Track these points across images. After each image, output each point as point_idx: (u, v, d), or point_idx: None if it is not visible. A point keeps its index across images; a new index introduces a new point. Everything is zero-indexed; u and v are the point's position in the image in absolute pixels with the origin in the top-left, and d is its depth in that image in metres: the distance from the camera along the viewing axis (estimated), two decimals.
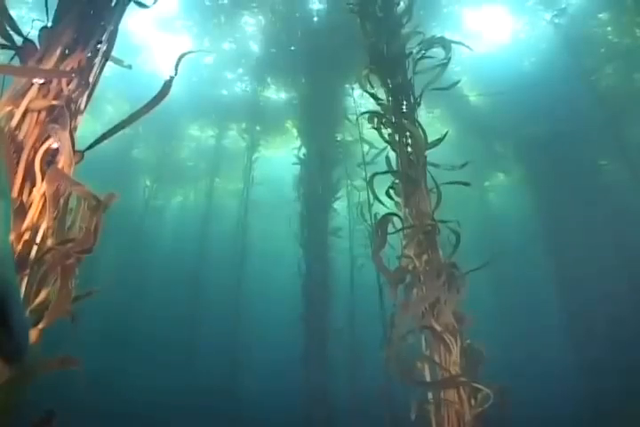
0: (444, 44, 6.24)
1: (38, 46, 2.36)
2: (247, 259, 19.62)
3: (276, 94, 22.97)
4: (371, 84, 5.98)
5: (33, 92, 2.15)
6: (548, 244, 19.03)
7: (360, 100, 18.80)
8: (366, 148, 13.39)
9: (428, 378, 4.17)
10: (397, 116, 5.27)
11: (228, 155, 24.88)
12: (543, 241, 19.45)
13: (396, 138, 5.16)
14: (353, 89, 18.20)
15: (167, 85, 2.89)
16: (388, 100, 5.57)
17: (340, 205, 16.25)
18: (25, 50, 2.34)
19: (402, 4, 6.85)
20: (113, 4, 3.03)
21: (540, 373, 16.93)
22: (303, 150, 16.83)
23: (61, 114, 2.16)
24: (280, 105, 22.49)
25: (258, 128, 23.29)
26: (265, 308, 24.87)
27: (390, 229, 4.73)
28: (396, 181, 4.88)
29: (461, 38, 8.35)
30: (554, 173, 17.94)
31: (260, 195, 21.72)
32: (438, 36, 6.38)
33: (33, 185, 2.05)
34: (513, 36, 19.40)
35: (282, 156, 22.76)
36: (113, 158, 22.55)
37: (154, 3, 4.03)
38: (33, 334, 1.77)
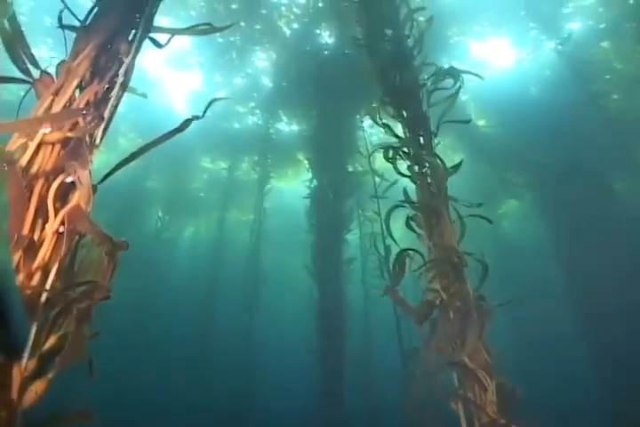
0: (454, 73, 6.22)
1: (55, 79, 2.31)
2: (260, 290, 19.40)
3: (287, 127, 23.21)
4: (384, 116, 5.94)
5: (48, 123, 2.07)
6: (564, 270, 18.66)
7: (371, 130, 19.01)
8: (378, 179, 13.40)
9: (463, 421, 3.92)
10: (415, 148, 5.18)
11: (240, 186, 25.01)
12: (559, 267, 19.07)
13: (415, 169, 5.06)
14: (363, 120, 18.37)
15: (186, 124, 2.82)
16: (404, 132, 5.50)
17: (352, 236, 16.10)
18: (41, 82, 2.28)
19: (411, 36, 6.89)
20: (130, 38, 2.99)
21: (568, 412, 16.26)
22: (314, 182, 16.81)
23: (78, 148, 2.08)
24: (291, 137, 22.71)
25: (269, 160, 23.44)
26: (278, 338, 24.50)
27: (410, 262, 4.59)
28: (417, 212, 4.74)
29: (468, 67, 8.39)
30: (567, 198, 17.73)
31: (272, 226, 21.66)
32: (447, 66, 6.37)
33: (45, 221, 1.95)
34: (518, 65, 19.63)
35: (294, 187, 22.84)
36: (126, 189, 22.71)
37: (166, 43, 4.02)
38: (41, 384, 1.63)
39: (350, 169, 17.64)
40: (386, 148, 5.36)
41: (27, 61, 2.31)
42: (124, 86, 2.73)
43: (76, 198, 2.10)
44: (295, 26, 19.14)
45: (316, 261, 15.07)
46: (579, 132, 17.29)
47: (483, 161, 20.80)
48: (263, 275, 19.99)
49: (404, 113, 5.58)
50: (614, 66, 18.21)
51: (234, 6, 18.98)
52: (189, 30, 3.81)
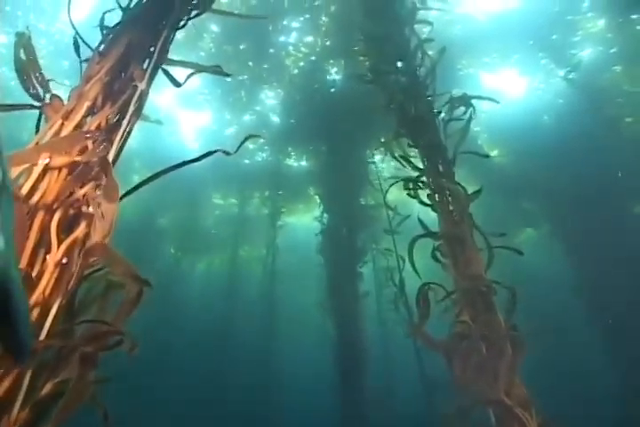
0: (467, 101, 6.15)
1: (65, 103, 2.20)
2: (275, 326, 19.05)
3: (297, 162, 23.31)
4: (398, 149, 5.84)
5: (55, 148, 1.94)
6: (585, 299, 18.17)
7: (381, 164, 19.01)
8: (391, 213, 13.25)
9: None
10: (434, 176, 5.02)
11: (252, 222, 24.94)
12: (579, 296, 18.58)
13: (436, 198, 4.88)
14: (374, 155, 18.40)
15: (205, 156, 2.72)
16: (422, 161, 5.37)
17: (366, 270, 15.83)
18: (51, 106, 2.17)
19: (423, 66, 6.87)
20: (145, 66, 2.91)
21: None
22: (326, 216, 16.68)
23: (87, 174, 1.93)
24: (302, 172, 22.75)
25: (280, 195, 23.45)
26: (295, 375, 23.90)
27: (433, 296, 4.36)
28: (441, 242, 4.54)
29: (477, 100, 8.36)
30: (585, 225, 17.41)
31: (285, 261, 21.46)
32: (461, 94, 6.31)
33: (47, 252, 1.77)
34: (529, 94, 19.73)
35: (305, 222, 22.72)
36: (138, 226, 22.75)
37: (185, 81, 3.97)
38: None
39: (362, 203, 17.53)
40: (405, 179, 5.21)
41: (38, 86, 2.21)
42: (138, 113, 2.61)
43: (97, 232, 1.93)
44: (302, 64, 19.47)
45: (330, 296, 14.78)
46: (594, 158, 17.15)
47: (497, 191, 20.62)
48: (277, 311, 19.69)
49: (421, 143, 5.46)
50: (626, 89, 18.24)
51: (242, 46, 19.40)
52: (201, 66, 3.75)
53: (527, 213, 21.70)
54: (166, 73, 3.55)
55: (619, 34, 16.66)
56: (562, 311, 20.47)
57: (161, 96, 22.78)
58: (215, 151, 2.88)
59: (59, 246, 1.78)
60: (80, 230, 1.89)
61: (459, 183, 4.87)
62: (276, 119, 21.93)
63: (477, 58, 18.70)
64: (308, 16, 17.99)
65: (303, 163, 23.14)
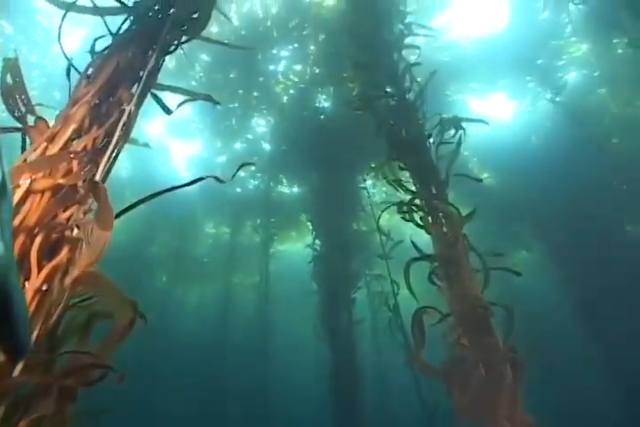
0: (457, 122, 6.19)
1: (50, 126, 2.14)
2: (269, 353, 18.71)
3: (289, 189, 23.33)
4: (390, 173, 5.83)
5: (37, 167, 1.87)
6: (582, 320, 18.04)
7: (372, 189, 19.07)
8: (383, 238, 13.22)
9: None
10: (427, 198, 4.99)
11: (244, 250, 24.75)
12: (576, 317, 18.45)
13: (430, 220, 4.83)
14: (365, 179, 18.47)
15: (195, 181, 2.67)
16: (414, 184, 5.34)
17: (360, 295, 15.66)
18: (35, 129, 2.12)
19: (412, 90, 6.94)
20: (134, 90, 2.87)
21: None
22: (319, 243, 16.57)
23: (71, 197, 1.85)
24: (293, 199, 22.74)
25: (272, 223, 23.37)
26: (290, 403, 23.36)
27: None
28: (436, 264, 4.47)
29: (468, 123, 8.48)
30: (578, 245, 17.41)
31: (278, 288, 21.20)
32: (451, 116, 6.36)
33: (26, 279, 1.67)
34: (517, 117, 20.05)
35: (298, 249, 22.59)
36: (129, 255, 22.52)
37: (177, 108, 3.96)
38: None
39: (355, 228, 17.48)
40: (398, 203, 5.16)
41: (22, 108, 2.16)
42: (126, 136, 2.56)
43: (86, 259, 1.85)
44: (292, 92, 19.69)
45: (324, 323, 14.56)
46: (584, 179, 17.33)
47: (488, 214, 20.68)
48: (271, 339, 19.38)
49: (412, 165, 5.44)
50: (611, 110, 18.59)
51: (232, 75, 19.64)
52: (191, 92, 3.74)
53: (519, 235, 21.74)
54: (156, 99, 3.53)
55: (601, 57, 17.10)
56: (558, 333, 20.31)
57: (151, 125, 22.92)
58: (206, 177, 2.82)
59: (39, 273, 1.69)
60: (62, 256, 1.80)
61: (452, 204, 4.83)
62: (266, 146, 22.05)
63: (465, 83, 19.05)
64: (296, 45, 18.28)
65: (295, 189, 23.17)
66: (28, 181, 1.80)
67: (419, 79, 7.07)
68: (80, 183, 1.97)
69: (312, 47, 18.22)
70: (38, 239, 1.73)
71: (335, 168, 17.80)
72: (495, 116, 20.10)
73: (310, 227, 19.87)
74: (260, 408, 17.92)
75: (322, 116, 19.32)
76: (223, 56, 19.11)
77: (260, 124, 21.84)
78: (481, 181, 5.98)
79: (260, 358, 18.91)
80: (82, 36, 18.06)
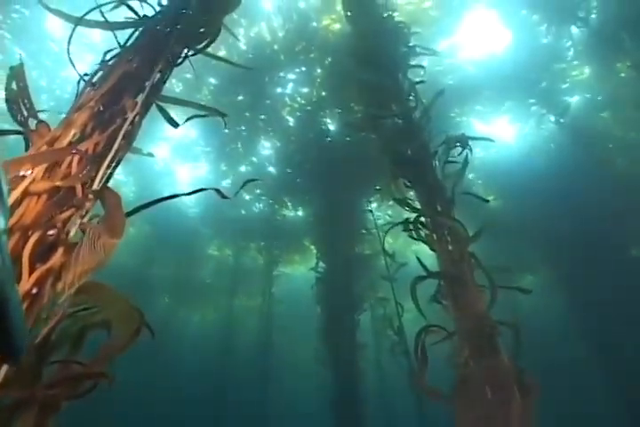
0: (463, 140, 6.19)
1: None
2: (271, 376, 18.40)
3: (293, 212, 23.30)
4: (397, 190, 5.79)
5: (35, 173, 1.83)
6: (591, 347, 17.66)
7: (377, 212, 19.02)
8: (388, 260, 13.14)
9: None
10: (433, 216, 4.93)
11: (248, 273, 24.61)
12: (584, 344, 18.06)
13: (434, 237, 4.76)
14: (370, 202, 18.46)
15: (196, 192, 2.65)
16: (419, 201, 5.30)
17: (364, 319, 15.48)
18: (37, 133, 2.09)
19: (417, 108, 6.98)
20: (138, 99, 2.86)
21: None
22: (323, 266, 16.45)
23: (68, 199, 1.80)
24: (298, 222, 22.71)
25: (276, 246, 23.28)
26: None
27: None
28: (441, 282, 4.38)
29: (472, 146, 8.50)
30: (585, 269, 17.18)
31: (281, 312, 20.99)
32: (458, 135, 6.37)
33: (17, 281, 1.59)
34: (521, 140, 20.13)
35: (301, 272, 22.44)
36: (133, 277, 22.44)
37: (184, 122, 3.98)
38: None
39: (359, 251, 17.38)
40: (404, 221, 5.10)
41: (25, 113, 2.14)
42: (128, 144, 2.53)
43: (88, 264, 1.79)
44: (298, 114, 19.87)
45: (327, 346, 14.32)
46: (588, 201, 17.24)
47: (492, 236, 20.55)
48: (273, 362, 19.09)
49: (418, 183, 5.40)
50: (615, 134, 18.64)
51: (239, 98, 19.85)
52: (196, 104, 3.76)
53: (524, 258, 21.52)
54: (162, 111, 3.53)
55: (604, 81, 17.24)
56: (566, 359, 19.89)
57: (157, 149, 23.10)
58: (207, 189, 2.80)
59: (30, 275, 1.62)
60: (55, 260, 1.73)
61: (458, 220, 4.76)
62: (272, 169, 22.12)
63: (469, 106, 19.19)
64: (303, 68, 18.53)
65: (299, 213, 23.15)
66: (25, 183, 1.76)
67: (424, 101, 7.12)
68: (79, 187, 1.93)
69: (318, 70, 18.46)
70: (32, 240, 1.68)
71: (340, 191, 17.80)
72: (499, 138, 20.22)
73: (314, 250, 19.80)
74: None
75: (328, 139, 19.43)
76: (230, 79, 19.38)
77: (266, 147, 21.97)
78: (487, 201, 5.91)
79: (261, 381, 18.62)
80: (90, 62, 18.39)
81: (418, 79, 7.50)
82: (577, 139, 18.12)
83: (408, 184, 5.56)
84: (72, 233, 1.84)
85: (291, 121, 20.27)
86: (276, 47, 18.64)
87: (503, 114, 19.72)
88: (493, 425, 3.74)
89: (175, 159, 23.47)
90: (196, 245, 25.19)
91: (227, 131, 21.21)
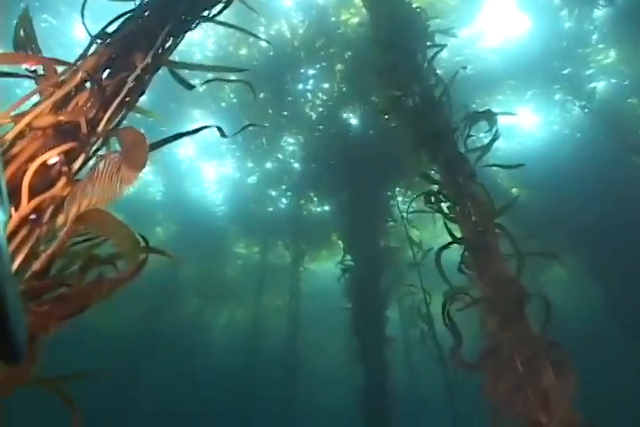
0: (490, 116, 6.05)
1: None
2: (299, 375, 18.37)
3: (319, 207, 23.26)
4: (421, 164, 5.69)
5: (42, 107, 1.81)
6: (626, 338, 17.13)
7: (403, 206, 18.85)
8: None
9: None
10: (456, 187, 4.81)
11: (275, 270, 24.64)
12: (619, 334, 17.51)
13: (458, 209, 4.64)
14: (395, 195, 18.31)
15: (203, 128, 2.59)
16: (442, 175, 5.18)
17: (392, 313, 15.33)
18: (44, 78, 2.09)
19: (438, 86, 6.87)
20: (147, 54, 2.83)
21: None
22: (350, 260, 16.37)
23: (73, 133, 1.77)
24: (324, 218, 22.67)
25: (303, 242, 23.27)
26: (320, 423, 22.80)
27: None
28: (465, 252, 4.25)
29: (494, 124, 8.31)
30: (614, 258, 16.64)
31: (309, 308, 20.95)
32: (482, 110, 6.23)
33: (15, 208, 1.55)
34: (545, 129, 19.63)
35: (329, 268, 22.37)
36: (160, 277, 22.68)
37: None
38: None
39: (386, 244, 17.24)
40: (425, 193, 5.00)
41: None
42: (136, 97, 2.51)
43: (95, 193, 1.76)
44: (321, 110, 19.85)
45: (356, 340, 14.23)
46: (616, 190, 16.71)
47: (518, 228, 20.10)
48: (301, 359, 19.06)
49: (440, 156, 5.28)
50: None
51: (262, 95, 19.93)
52: (209, 66, 3.74)
53: (553, 249, 20.97)
54: (175, 76, 3.51)
55: (631, 65, 16.68)
56: (600, 352, 19.29)
57: (183, 148, 23.38)
58: (210, 127, 2.77)
59: (29, 202, 1.60)
60: (58, 189, 1.71)
61: (484, 188, 4.62)
62: (296, 165, 22.16)
63: (491, 96, 18.84)
64: (324, 64, 18.51)
65: (326, 208, 23.09)
66: (29, 117, 1.74)
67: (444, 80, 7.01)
68: (84, 123, 1.90)
69: (339, 65, 18.43)
70: (32, 168, 1.65)
71: (365, 184, 17.70)
72: (523, 128, 19.76)
73: (341, 244, 19.73)
74: None
75: (350, 133, 19.37)
76: (252, 77, 19.47)
77: (290, 143, 22.02)
78: (513, 167, 5.72)
79: (289, 379, 18.58)
80: None
81: (438, 58, 7.39)
82: (604, 126, 17.57)
83: (430, 157, 5.45)
84: (77, 166, 1.82)
85: (313, 116, 20.27)
86: (296, 44, 18.68)
87: (526, 103, 19.27)
88: (524, 397, 3.61)
89: (201, 157, 23.69)
90: (224, 243, 25.37)
91: (250, 128, 21.39)
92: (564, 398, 3.53)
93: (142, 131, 2.07)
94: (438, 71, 7.38)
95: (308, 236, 23.18)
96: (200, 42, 18.59)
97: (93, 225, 1.72)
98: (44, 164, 1.71)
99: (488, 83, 17.78)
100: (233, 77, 17.94)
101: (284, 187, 23.10)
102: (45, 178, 1.74)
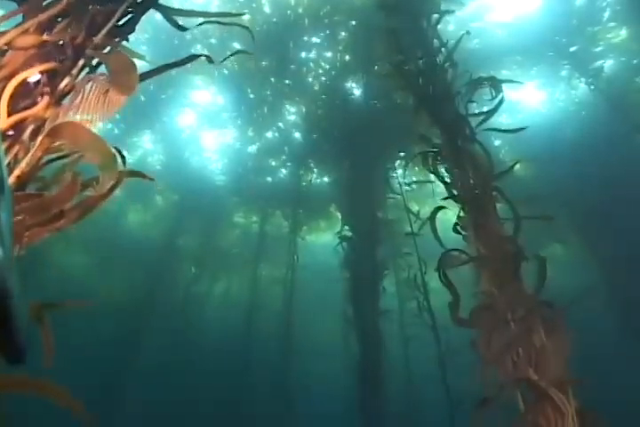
0: (494, 83, 5.95)
1: None
2: (294, 345, 18.60)
3: (319, 178, 23.16)
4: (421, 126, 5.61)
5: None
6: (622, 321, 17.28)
7: (402, 179, 18.75)
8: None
9: None
10: (455, 149, 4.74)
11: (272, 241, 24.69)
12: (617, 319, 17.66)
13: (455, 171, 4.58)
14: (395, 168, 18.18)
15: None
16: (442, 136, 5.09)
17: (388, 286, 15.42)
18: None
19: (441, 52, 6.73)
20: None
21: None
22: (347, 232, 16.38)
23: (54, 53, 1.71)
24: (323, 189, 22.59)
25: (302, 213, 23.24)
26: (316, 393, 23.22)
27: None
28: (462, 213, 4.22)
29: (499, 112, 8.19)
30: (616, 241, 16.65)
31: (306, 279, 21.05)
32: (487, 76, 6.12)
33: None
34: (551, 105, 19.37)
35: (326, 240, 22.41)
36: (159, 245, 22.77)
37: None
38: None
39: (384, 216, 17.23)
40: (423, 153, 4.93)
41: None
42: (124, 29, 2.40)
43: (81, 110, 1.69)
44: (324, 79, 19.57)
45: (352, 311, 14.39)
46: (620, 169, 16.60)
47: (519, 205, 20.03)
48: (296, 331, 19.24)
49: (441, 118, 5.19)
50: None
51: (264, 63, 19.62)
52: (203, 13, 3.61)
53: (554, 227, 20.95)
54: (165, 15, 3.36)
55: None
56: (595, 332, 19.48)
57: (183, 116, 23.13)
58: (200, 55, 2.68)
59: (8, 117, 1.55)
60: (39, 108, 1.65)
61: (484, 148, 4.55)
62: (298, 135, 21.96)
63: (496, 70, 18.52)
64: (328, 32, 18.16)
65: (325, 179, 23.00)
66: (11, 35, 1.67)
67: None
68: (68, 44, 1.83)
69: (343, 34, 18.07)
70: (12, 84, 1.59)
71: (366, 156, 17.57)
72: (528, 104, 19.48)
73: (339, 216, 19.73)
74: (283, 404, 17.81)
75: (353, 104, 19.12)
76: (255, 44, 19.11)
77: (292, 113, 21.75)
78: (515, 131, 5.63)
79: (285, 349, 18.77)
80: None
81: (444, 30, 7.23)
82: (609, 104, 17.31)
83: (431, 120, 5.36)
84: (61, 88, 1.76)
85: (316, 86, 19.99)
86: (300, 11, 18.29)
87: (532, 79, 18.94)
88: (515, 355, 3.63)
89: (202, 126, 23.47)
90: (223, 213, 25.38)
91: (252, 96, 21.10)
92: (556, 357, 3.55)
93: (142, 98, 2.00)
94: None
95: (306, 207, 23.13)
96: (203, 6, 18.18)
97: (67, 139, 1.66)
98: (25, 83, 1.65)
99: (494, 57, 17.45)
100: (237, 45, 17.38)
101: (284, 157, 22.96)
102: (27, 98, 1.68)
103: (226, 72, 20.45)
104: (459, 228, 4.20)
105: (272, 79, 20.14)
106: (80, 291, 22.24)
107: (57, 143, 1.67)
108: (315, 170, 22.51)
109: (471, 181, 4.52)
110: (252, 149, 23.16)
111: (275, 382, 18.22)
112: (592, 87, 17.38)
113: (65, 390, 1.58)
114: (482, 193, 4.28)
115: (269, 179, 24.01)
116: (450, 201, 4.78)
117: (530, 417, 3.25)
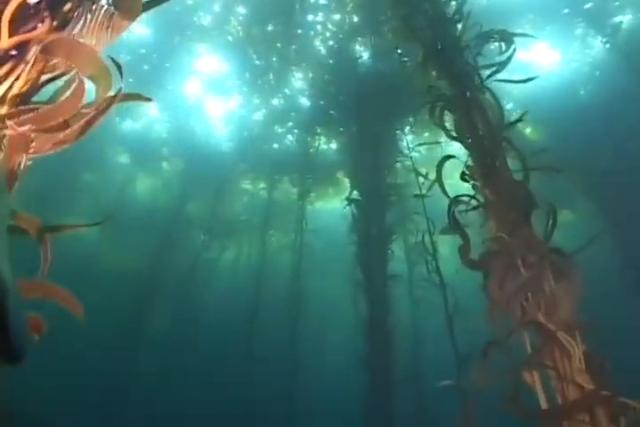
0: (506, 36, 5.79)
1: None
2: (302, 311, 18.83)
3: (326, 145, 22.96)
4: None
5: None
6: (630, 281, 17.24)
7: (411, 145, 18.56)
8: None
9: (542, 395, 3.19)
10: (463, 98, 4.65)
11: (281, 207, 24.71)
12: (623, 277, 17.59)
13: (464, 120, 4.50)
14: (405, 133, 17.96)
15: None
16: (451, 87, 5.00)
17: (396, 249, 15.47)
18: None
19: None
20: None
21: None
22: (356, 197, 16.34)
23: None
24: (331, 155, 22.44)
25: (309, 179, 23.16)
26: (324, 355, 23.66)
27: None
28: (470, 162, 4.17)
29: (511, 73, 7.97)
30: (627, 207, 16.45)
31: (314, 246, 21.13)
32: (498, 30, 5.96)
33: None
34: (564, 67, 18.86)
35: (334, 206, 22.41)
36: (168, 213, 22.84)
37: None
38: None
39: (392, 181, 17.15)
40: (433, 104, 4.84)
41: None
42: None
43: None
44: (331, 43, 19.15)
45: (360, 274, 14.48)
46: (636, 133, 16.26)
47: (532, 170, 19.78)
48: (305, 296, 19.43)
49: (448, 71, 5.09)
50: None
51: (269, 28, 19.21)
52: None
53: (564, 192, 20.76)
54: None
55: None
56: (606, 300, 19.49)
57: (188, 84, 22.85)
58: None
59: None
60: (42, 32, 1.63)
61: (496, 98, 4.47)
62: (305, 101, 21.67)
63: (508, 29, 18.01)
64: None
65: (332, 146, 22.81)
66: None
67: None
68: None
69: None
70: (13, 4, 1.57)
71: (374, 122, 17.35)
72: (540, 65, 18.97)
73: (347, 182, 19.65)
74: (290, 361, 18.11)
75: (361, 69, 18.76)
76: (260, 9, 18.68)
77: (299, 78, 21.40)
78: (524, 81, 5.52)
79: (293, 318, 18.93)
80: None
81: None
82: (628, 64, 16.78)
83: (438, 73, 5.26)
84: (64, 12, 1.73)
85: (323, 51, 19.59)
86: None
87: (545, 38, 18.36)
88: (522, 296, 3.64)
89: (207, 93, 23.21)
90: (231, 180, 25.35)
91: (257, 62, 20.75)
92: (565, 302, 3.57)
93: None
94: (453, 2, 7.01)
95: (313, 173, 23.00)
96: None
97: (61, 53, 1.65)
98: (26, 6, 1.63)
99: (506, 15, 16.92)
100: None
101: (290, 124, 22.73)
102: (29, 22, 1.66)
103: (230, 38, 20.05)
104: (466, 177, 4.17)
105: (278, 44, 19.75)
106: (89, 258, 22.55)
107: (53, 61, 1.67)
108: (322, 136, 22.29)
109: (480, 133, 4.46)
110: (259, 115, 22.92)
111: (285, 346, 18.51)
112: (608, 46, 16.81)
113: (69, 293, 1.62)
114: (491, 143, 4.23)
115: (276, 146, 23.85)
116: (457, 155, 4.75)
117: (537, 359, 3.30)
